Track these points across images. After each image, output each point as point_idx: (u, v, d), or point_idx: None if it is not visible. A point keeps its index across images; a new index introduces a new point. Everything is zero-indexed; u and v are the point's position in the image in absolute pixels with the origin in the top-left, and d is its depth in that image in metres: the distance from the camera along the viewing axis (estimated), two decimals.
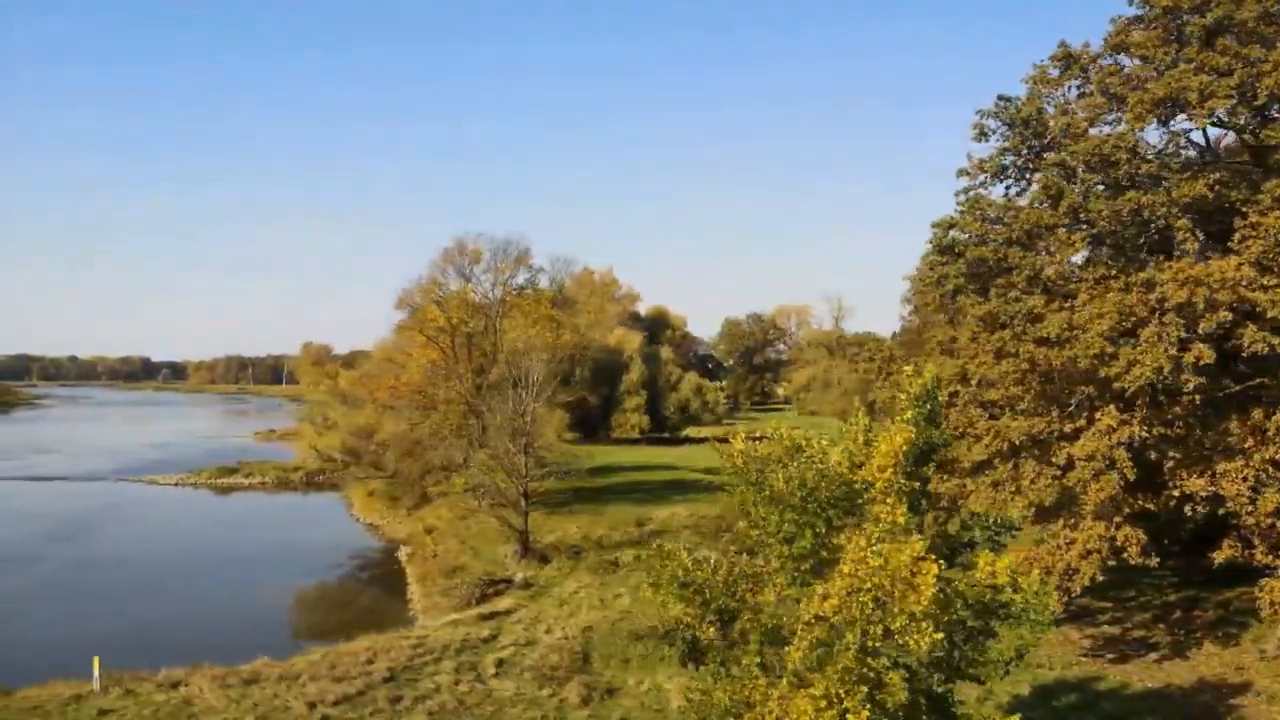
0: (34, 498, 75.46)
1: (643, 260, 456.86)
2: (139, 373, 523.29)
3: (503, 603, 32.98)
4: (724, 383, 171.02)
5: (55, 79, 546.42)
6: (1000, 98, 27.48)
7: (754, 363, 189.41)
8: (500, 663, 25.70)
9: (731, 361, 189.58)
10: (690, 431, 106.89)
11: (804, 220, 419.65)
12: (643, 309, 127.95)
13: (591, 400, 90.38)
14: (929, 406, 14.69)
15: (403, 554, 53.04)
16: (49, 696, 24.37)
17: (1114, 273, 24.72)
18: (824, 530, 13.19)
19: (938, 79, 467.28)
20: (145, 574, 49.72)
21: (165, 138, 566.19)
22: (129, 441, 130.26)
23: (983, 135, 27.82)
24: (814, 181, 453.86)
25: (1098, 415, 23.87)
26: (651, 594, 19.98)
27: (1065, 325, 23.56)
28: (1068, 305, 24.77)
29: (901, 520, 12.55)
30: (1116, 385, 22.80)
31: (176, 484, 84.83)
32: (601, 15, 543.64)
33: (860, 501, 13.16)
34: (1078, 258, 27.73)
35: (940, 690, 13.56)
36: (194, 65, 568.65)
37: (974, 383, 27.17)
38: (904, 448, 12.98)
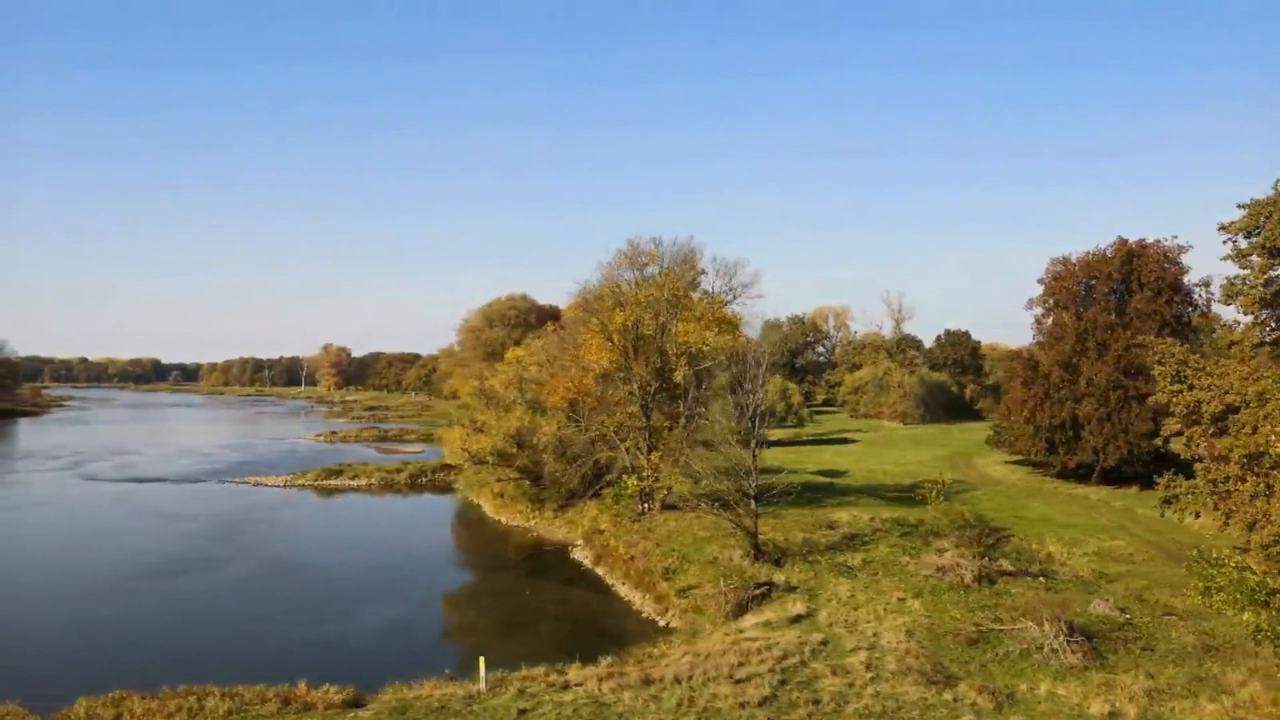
0: (160, 500, 75.54)
1: None
2: (150, 374, 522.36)
3: (790, 606, 33.23)
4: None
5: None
6: None
7: (796, 365, 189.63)
8: (867, 665, 26.12)
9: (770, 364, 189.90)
10: (771, 434, 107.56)
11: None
12: None
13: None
14: None
15: (580, 555, 53.44)
16: (447, 696, 24.81)
17: None
18: None
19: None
20: (336, 576, 50.01)
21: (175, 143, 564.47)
22: (198, 444, 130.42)
23: None
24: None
25: None
26: (1201, 600, 20.63)
27: None
28: None
29: None
30: None
31: (285, 485, 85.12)
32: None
33: None
34: None
35: None
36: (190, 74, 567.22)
37: None
38: None
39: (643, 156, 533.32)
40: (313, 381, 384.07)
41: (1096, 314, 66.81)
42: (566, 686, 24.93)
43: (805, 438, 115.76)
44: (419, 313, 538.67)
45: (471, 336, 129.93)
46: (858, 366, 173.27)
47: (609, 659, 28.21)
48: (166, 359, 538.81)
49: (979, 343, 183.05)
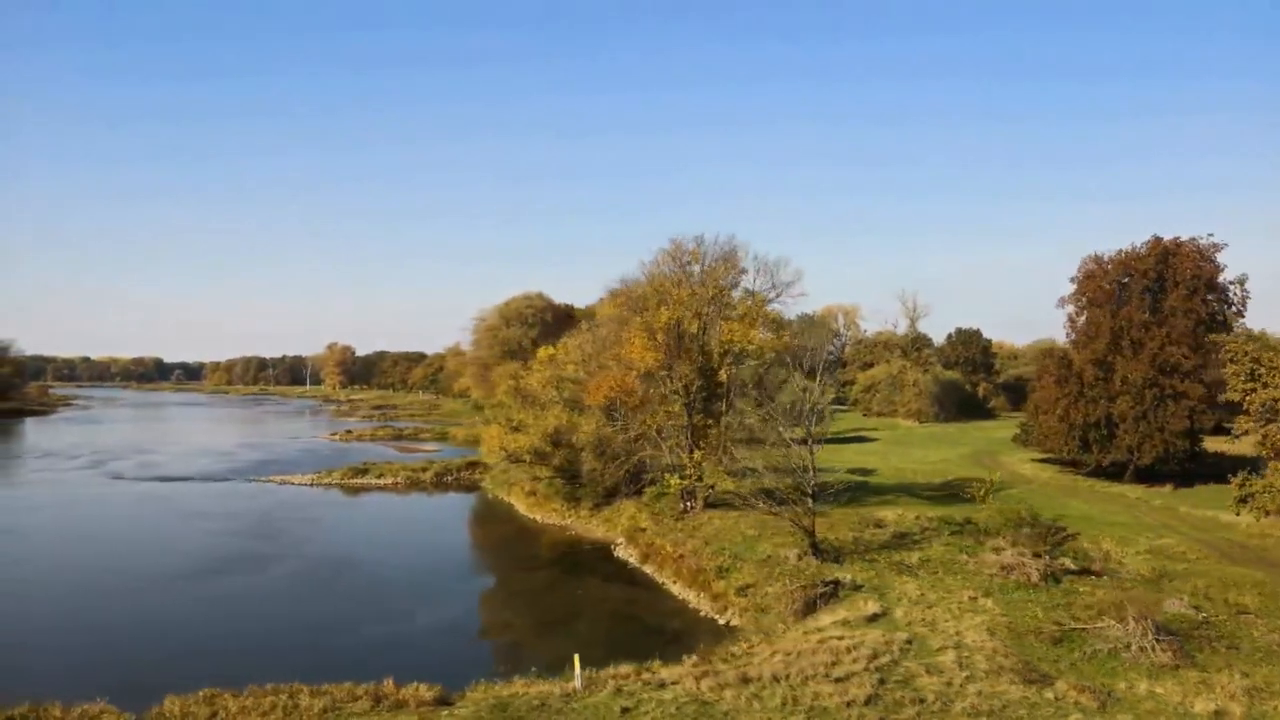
0: (191, 498, 75.45)
1: None
2: (152, 374, 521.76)
3: (862, 605, 33.12)
4: None
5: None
6: None
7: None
8: (959, 664, 26.04)
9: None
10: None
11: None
12: None
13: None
14: None
15: (624, 553, 53.39)
16: (544, 694, 24.74)
17: None
18: None
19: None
20: (383, 573, 49.94)
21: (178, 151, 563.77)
22: (214, 443, 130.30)
23: None
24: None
25: None
26: None
27: None
28: None
29: None
30: None
31: (311, 483, 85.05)
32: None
33: None
34: None
35: None
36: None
37: None
38: None
39: (644, 159, 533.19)
40: (317, 380, 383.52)
41: (1131, 312, 66.71)
42: (662, 685, 24.82)
43: (824, 436, 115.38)
44: (421, 312, 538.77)
45: (488, 335, 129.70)
46: (869, 365, 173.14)
47: (692, 658, 28.12)
48: (169, 358, 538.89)
49: (989, 341, 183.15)
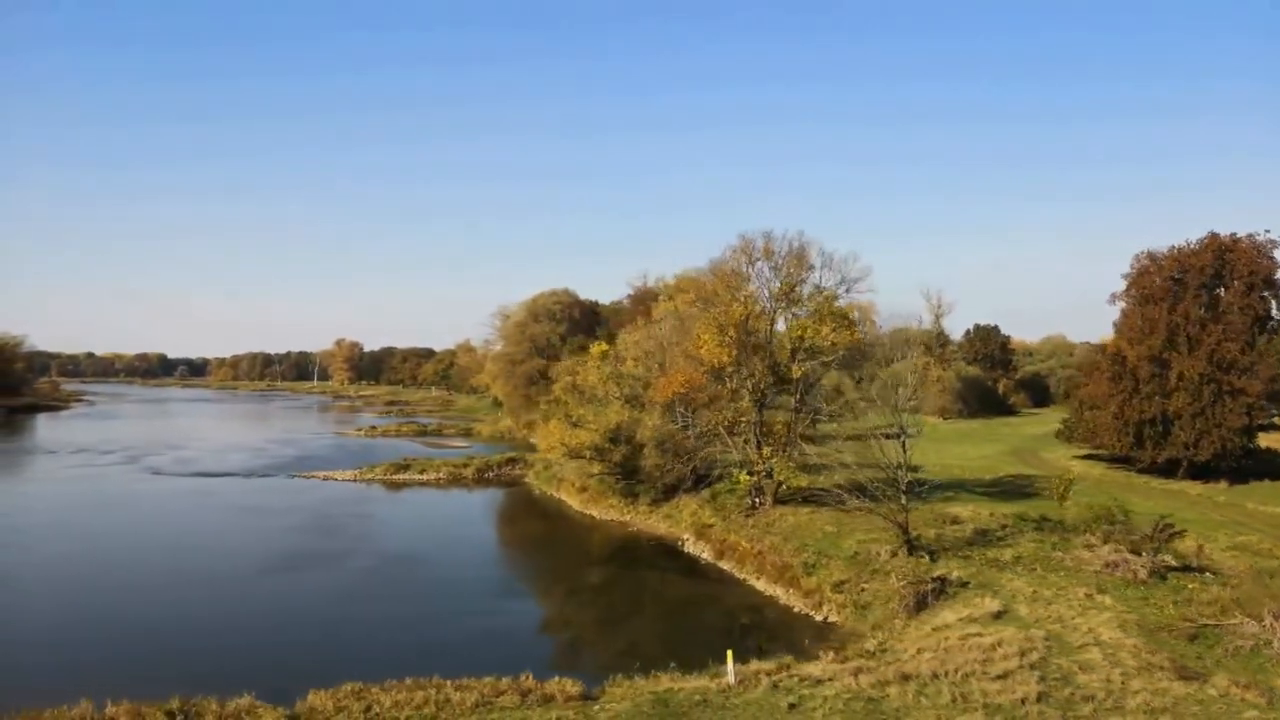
0: (240, 494, 75.29)
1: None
2: (156, 369, 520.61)
3: (981, 602, 32.96)
4: None
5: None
6: None
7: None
8: (1111, 662, 25.91)
9: None
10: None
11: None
12: None
13: None
14: None
15: (694, 549, 53.29)
16: (700, 689, 24.65)
17: None
18: None
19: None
20: (457, 570, 49.89)
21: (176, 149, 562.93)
22: (242, 439, 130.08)
23: None
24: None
25: None
26: None
27: None
28: None
29: None
30: None
31: (354, 479, 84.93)
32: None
33: None
34: None
35: None
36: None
37: None
38: None
39: (645, 159, 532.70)
40: (324, 376, 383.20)
41: (1188, 308, 66.65)
42: (818, 681, 24.68)
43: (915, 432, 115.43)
44: (424, 310, 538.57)
45: (516, 331, 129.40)
46: (889, 361, 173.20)
47: (828, 654, 28.03)
48: (171, 354, 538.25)
49: (1008, 338, 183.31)
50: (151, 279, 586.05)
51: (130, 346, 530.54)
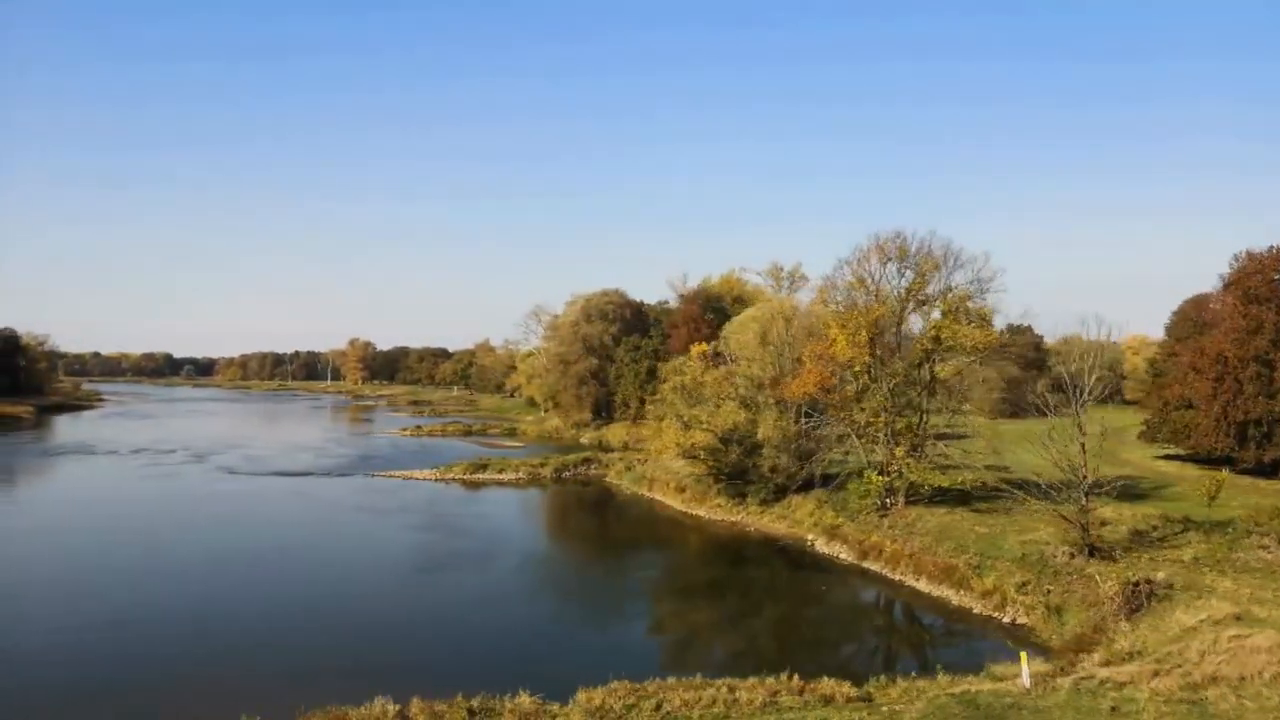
0: (331, 493, 74.74)
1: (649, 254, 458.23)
2: (163, 369, 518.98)
3: (1208, 606, 32.63)
4: None
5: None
6: None
7: None
8: None
9: None
10: None
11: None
12: None
13: None
14: None
15: (827, 549, 53.00)
16: (1000, 691, 24.34)
17: None
18: None
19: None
20: (600, 570, 49.65)
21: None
22: (292, 438, 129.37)
23: None
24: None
25: None
26: None
27: None
28: None
29: None
30: None
31: (435, 479, 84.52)
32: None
33: None
34: None
35: None
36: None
37: None
38: None
39: (645, 159, 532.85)
40: (336, 376, 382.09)
41: None
42: (1121, 685, 24.36)
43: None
44: (430, 309, 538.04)
45: (570, 331, 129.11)
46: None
47: (1089, 656, 27.76)
48: (176, 354, 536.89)
49: (1041, 337, 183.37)
50: (152, 278, 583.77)
51: (134, 346, 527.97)
